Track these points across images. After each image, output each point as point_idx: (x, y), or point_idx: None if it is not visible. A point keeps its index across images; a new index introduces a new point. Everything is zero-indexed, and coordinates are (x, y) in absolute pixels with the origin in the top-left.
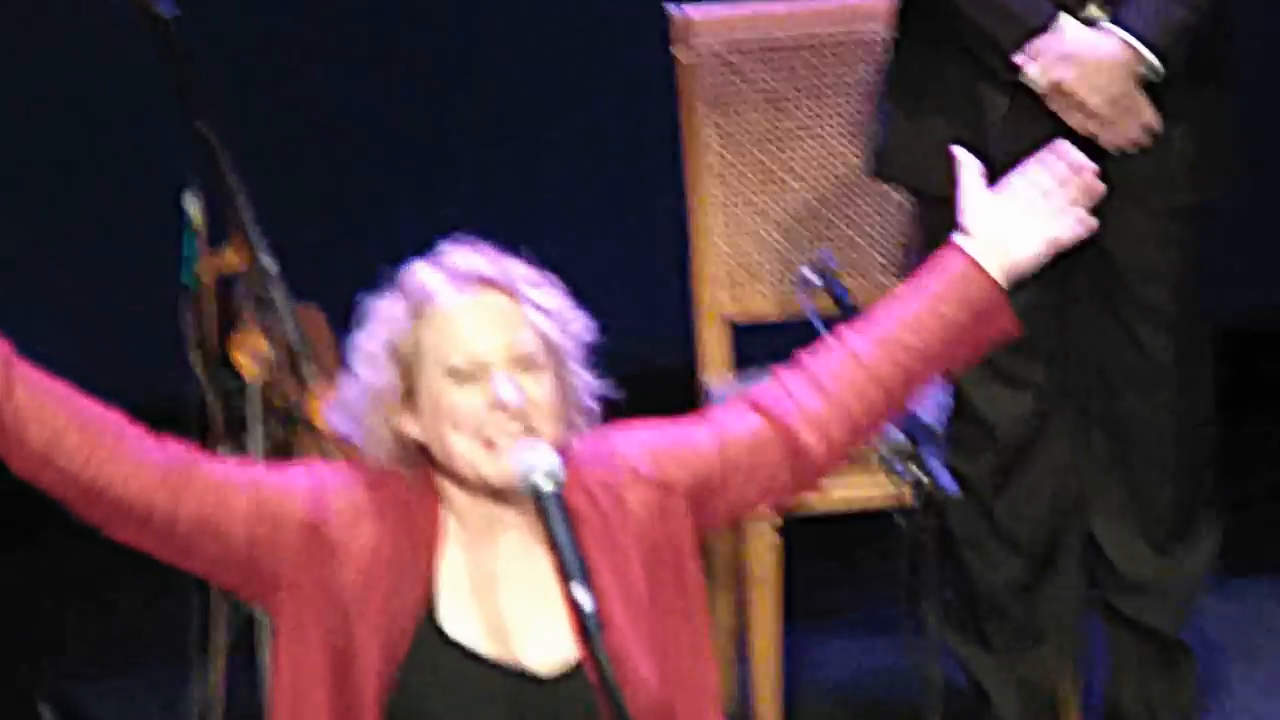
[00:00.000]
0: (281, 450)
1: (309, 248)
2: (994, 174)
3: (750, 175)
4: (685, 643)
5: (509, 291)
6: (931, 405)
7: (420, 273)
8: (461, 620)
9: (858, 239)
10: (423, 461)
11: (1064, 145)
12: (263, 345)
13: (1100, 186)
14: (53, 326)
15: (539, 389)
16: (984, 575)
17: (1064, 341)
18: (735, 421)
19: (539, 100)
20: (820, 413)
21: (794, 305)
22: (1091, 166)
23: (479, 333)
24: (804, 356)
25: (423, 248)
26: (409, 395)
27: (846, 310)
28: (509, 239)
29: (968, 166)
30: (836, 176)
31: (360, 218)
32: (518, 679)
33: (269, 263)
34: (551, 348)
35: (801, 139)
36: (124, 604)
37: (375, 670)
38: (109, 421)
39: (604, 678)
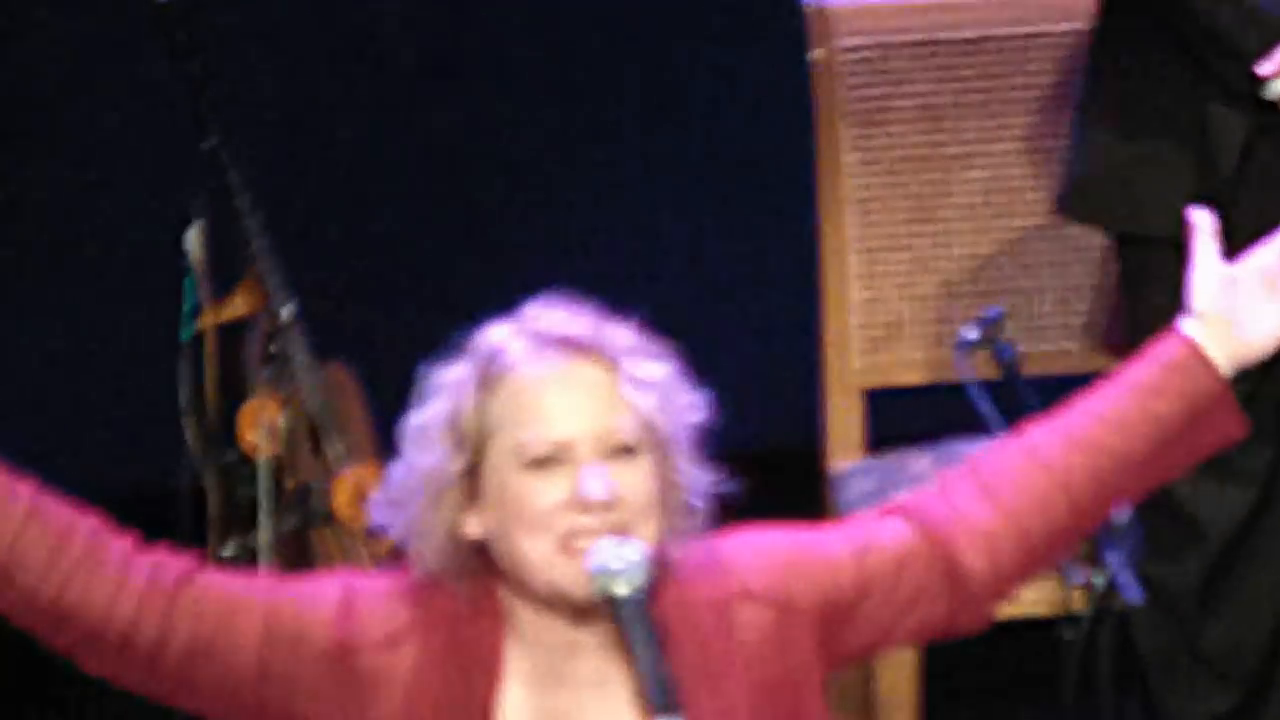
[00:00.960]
0: (295, 549)
1: (340, 292)
2: (1225, 222)
3: (900, 209)
4: None
5: (605, 362)
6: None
7: (495, 334)
8: None
9: (1035, 293)
10: (484, 571)
11: None
12: (276, 415)
13: None
14: (37, 411)
15: (635, 483)
16: (1183, 709)
17: None
18: (878, 531)
19: (641, 116)
20: (990, 528)
21: (949, 373)
22: None
23: (565, 413)
24: (974, 457)
25: (493, 303)
26: (472, 485)
27: (1016, 383)
28: (596, 290)
29: (1202, 229)
30: (1010, 212)
31: (413, 256)
32: None
33: (287, 308)
34: (653, 433)
35: (966, 164)
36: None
37: None
38: (82, 526)
39: None
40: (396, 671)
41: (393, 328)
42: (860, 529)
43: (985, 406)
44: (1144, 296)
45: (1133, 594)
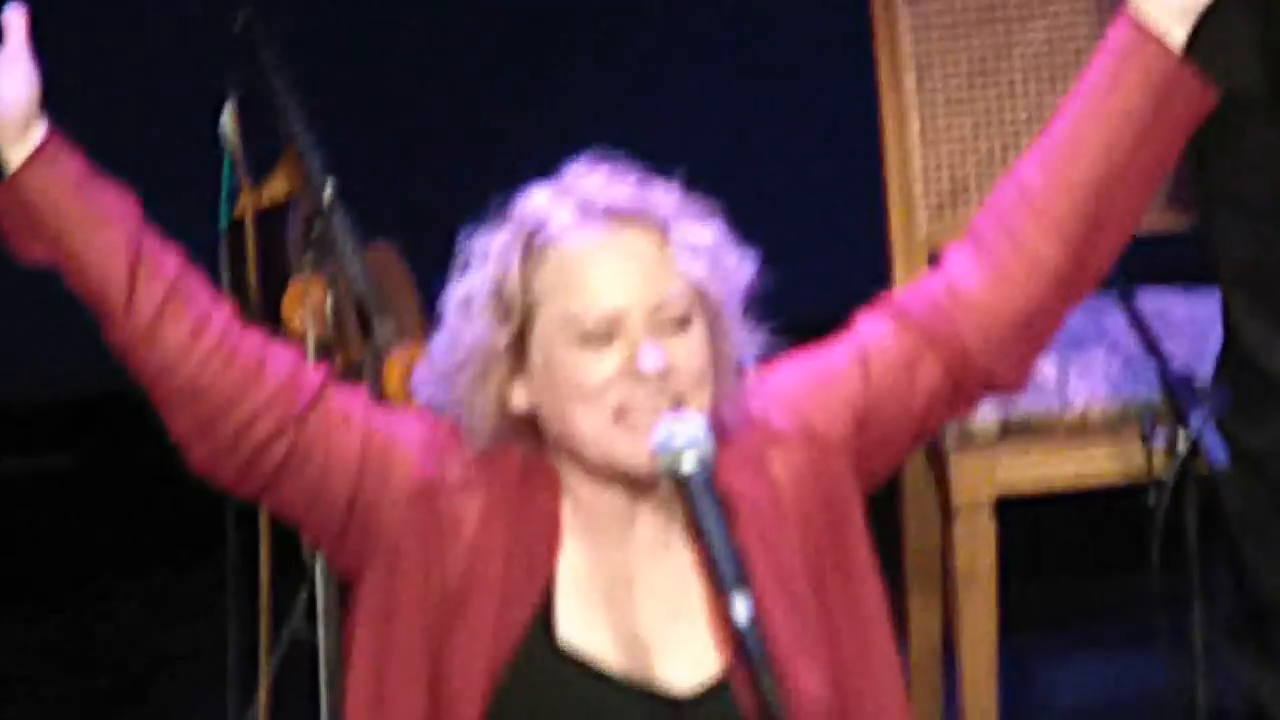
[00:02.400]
0: None
1: (382, 167)
2: None
3: (960, 68)
4: (858, 643)
5: (656, 228)
6: (1196, 355)
7: (537, 200)
8: (583, 630)
9: None
10: (534, 439)
11: None
12: (321, 296)
13: None
14: (71, 302)
15: (689, 354)
16: (1273, 574)
17: None
18: (880, 335)
19: (712, 45)
20: (982, 298)
21: None
22: None
23: (615, 284)
24: (977, 215)
25: (542, 170)
26: (518, 355)
27: None
28: (653, 156)
29: None
30: (1072, 70)
31: (457, 124)
32: (649, 699)
33: (328, 188)
34: (706, 300)
35: (1026, 20)
36: (154, 616)
37: (477, 682)
38: (219, 315)
39: (766, 701)
40: (467, 516)
41: (438, 201)
42: (862, 337)
43: None
44: (1209, 152)
45: (1217, 456)
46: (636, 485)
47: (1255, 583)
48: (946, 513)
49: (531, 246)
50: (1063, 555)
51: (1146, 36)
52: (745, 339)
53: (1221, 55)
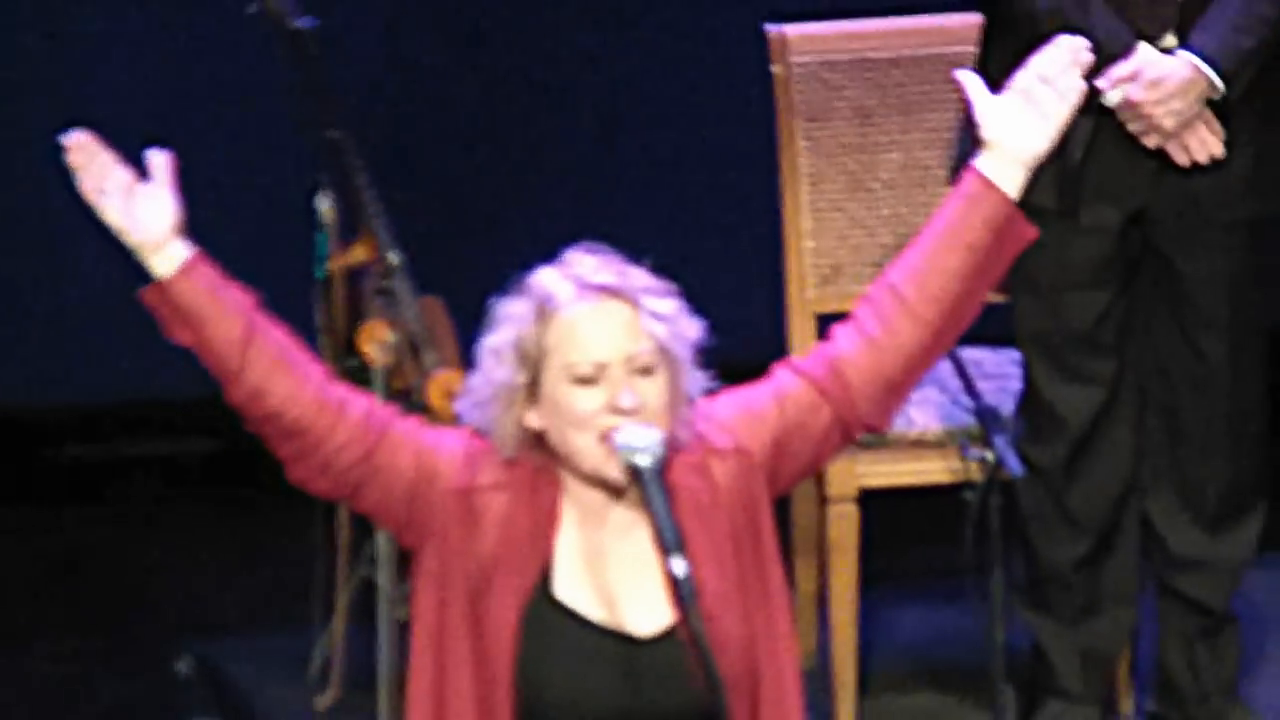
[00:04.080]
0: None
1: (434, 244)
2: (1078, 187)
3: (839, 182)
4: (766, 605)
5: (630, 301)
6: (1000, 393)
7: (547, 278)
8: (573, 590)
9: None
10: (544, 450)
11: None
12: (386, 334)
13: (1089, 57)
14: None
15: (654, 394)
16: (1050, 551)
17: (1129, 342)
18: (791, 384)
19: (650, 115)
20: (865, 363)
21: None
22: (1084, 43)
23: (601, 340)
24: (858, 304)
25: (542, 247)
26: (532, 390)
27: None
28: (620, 242)
29: (971, 82)
30: (920, 185)
31: (483, 218)
32: (619, 640)
33: (395, 256)
34: (667, 354)
35: (888, 150)
36: (256, 570)
37: (505, 627)
38: (296, 353)
39: (697, 639)
40: (495, 507)
41: (471, 269)
42: (779, 384)
43: None
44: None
45: (1014, 467)
46: (614, 490)
47: (1036, 557)
48: (823, 501)
49: (543, 312)
50: (904, 534)
51: (990, 186)
52: (695, 379)
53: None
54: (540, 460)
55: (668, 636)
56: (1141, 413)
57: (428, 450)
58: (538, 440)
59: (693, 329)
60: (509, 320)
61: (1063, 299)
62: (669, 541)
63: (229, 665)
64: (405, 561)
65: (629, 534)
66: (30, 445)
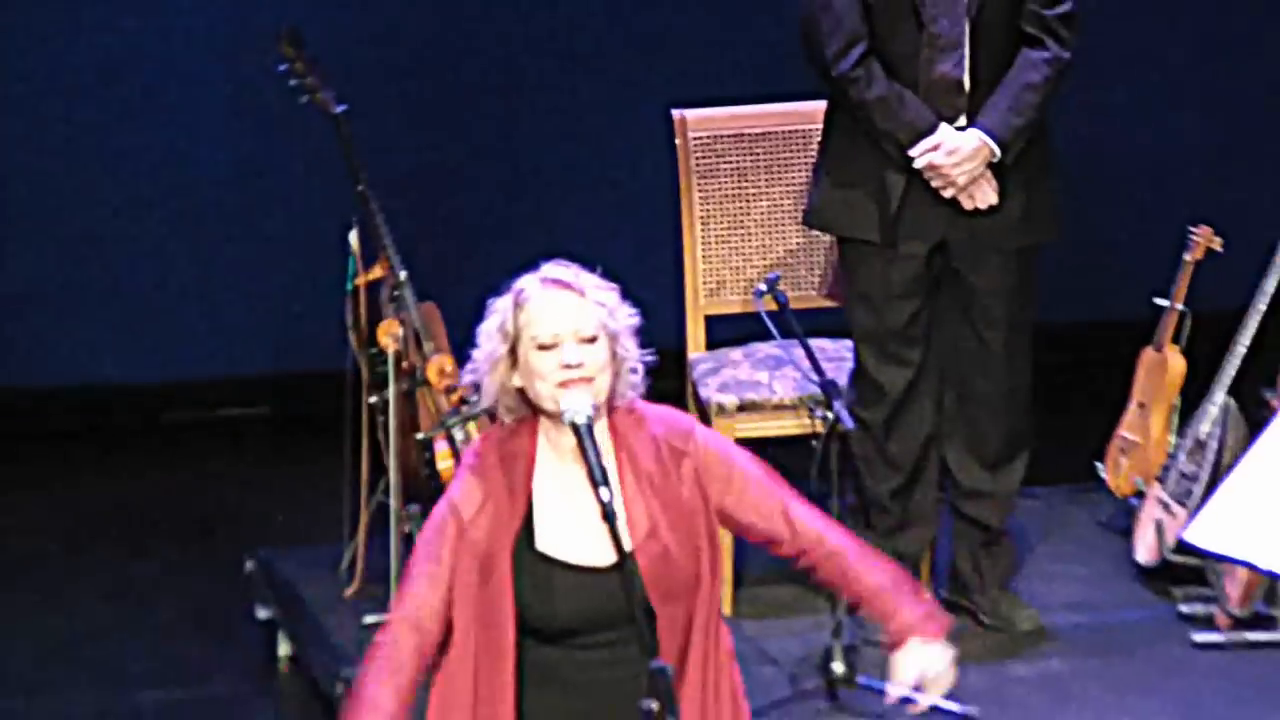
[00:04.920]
0: (407, 400)
1: (429, 265)
2: (895, 226)
3: (724, 222)
4: (706, 540)
5: (578, 291)
6: (839, 371)
7: (523, 280)
8: (550, 537)
9: (794, 265)
10: (525, 403)
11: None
12: (397, 329)
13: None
14: (267, 323)
15: (595, 354)
16: (874, 485)
17: (932, 335)
18: (764, 504)
19: (587, 174)
20: (803, 545)
21: (751, 308)
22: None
23: (556, 318)
24: (828, 530)
25: (503, 268)
26: (513, 358)
27: (786, 313)
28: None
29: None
30: (782, 224)
31: (462, 248)
32: (587, 572)
33: (402, 274)
34: (606, 329)
35: (758, 199)
36: (301, 500)
37: (503, 565)
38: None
39: (619, 544)
40: (473, 507)
41: (458, 281)
42: (764, 493)
43: (770, 326)
44: (848, 269)
45: (849, 424)
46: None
47: (863, 489)
48: None
49: (517, 301)
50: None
51: (889, 630)
52: (633, 352)
53: (851, 212)
54: (522, 415)
55: (623, 562)
56: (940, 385)
57: (438, 560)
58: (520, 395)
59: (626, 313)
60: (495, 311)
61: (885, 306)
62: (597, 477)
63: (282, 567)
64: (411, 488)
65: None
66: (134, 412)
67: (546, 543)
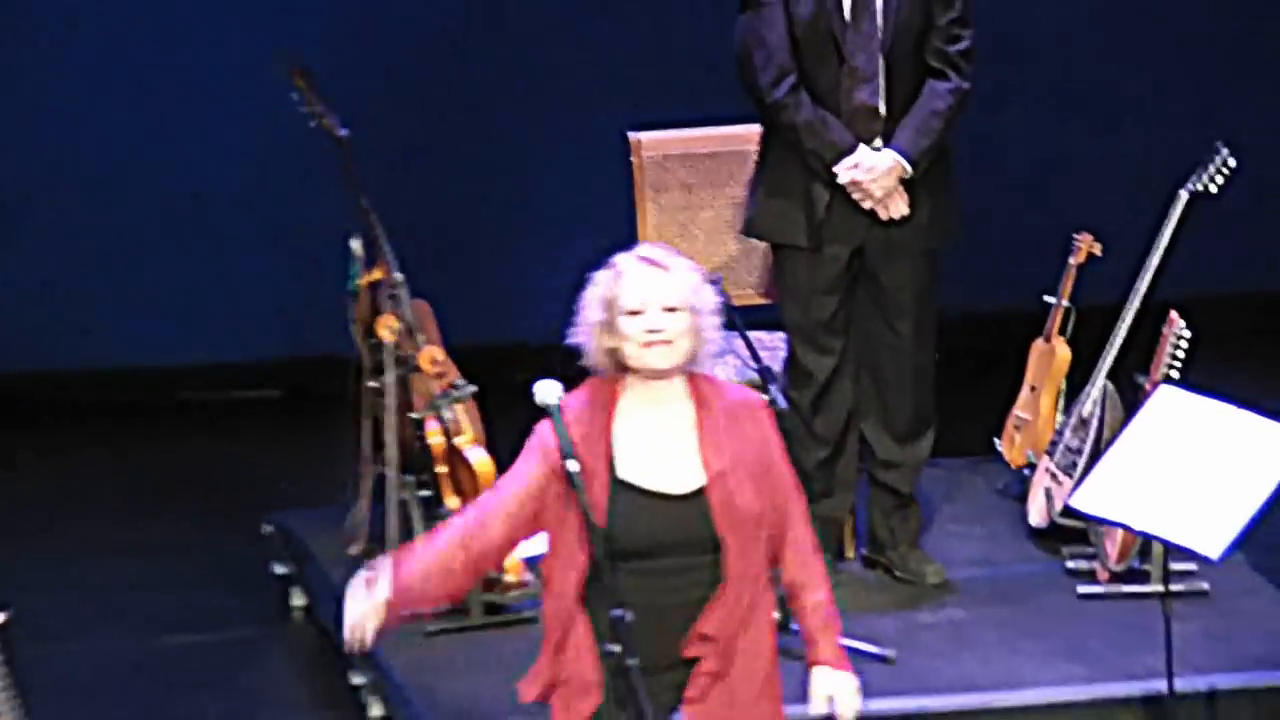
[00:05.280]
0: (402, 383)
1: (422, 268)
2: (821, 233)
3: (673, 229)
4: (772, 491)
5: (665, 268)
6: (774, 359)
7: (620, 258)
8: (631, 468)
9: (735, 268)
10: (616, 360)
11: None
12: (394, 323)
13: None
14: (281, 316)
15: (676, 323)
16: (802, 456)
17: (851, 328)
18: (783, 508)
19: (555, 188)
20: (783, 543)
21: None
22: None
23: (644, 290)
24: (804, 545)
25: (483, 274)
26: (608, 323)
27: (727, 305)
28: (538, 263)
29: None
30: (724, 232)
31: (445, 256)
32: (664, 499)
33: (399, 276)
34: (688, 303)
35: (704, 210)
36: (312, 469)
37: (599, 507)
38: (446, 547)
39: (581, 506)
40: (578, 429)
41: (447, 283)
42: (791, 497)
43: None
44: (780, 271)
45: (782, 404)
46: (654, 377)
47: (793, 460)
48: None
49: (615, 275)
50: None
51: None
52: (712, 324)
53: (783, 222)
54: (611, 370)
55: (697, 494)
56: (859, 371)
57: (520, 488)
58: (612, 354)
59: (710, 294)
60: (595, 282)
61: (811, 302)
62: (565, 450)
63: (296, 527)
64: (406, 460)
65: (670, 408)
66: (162, 391)
67: (626, 471)
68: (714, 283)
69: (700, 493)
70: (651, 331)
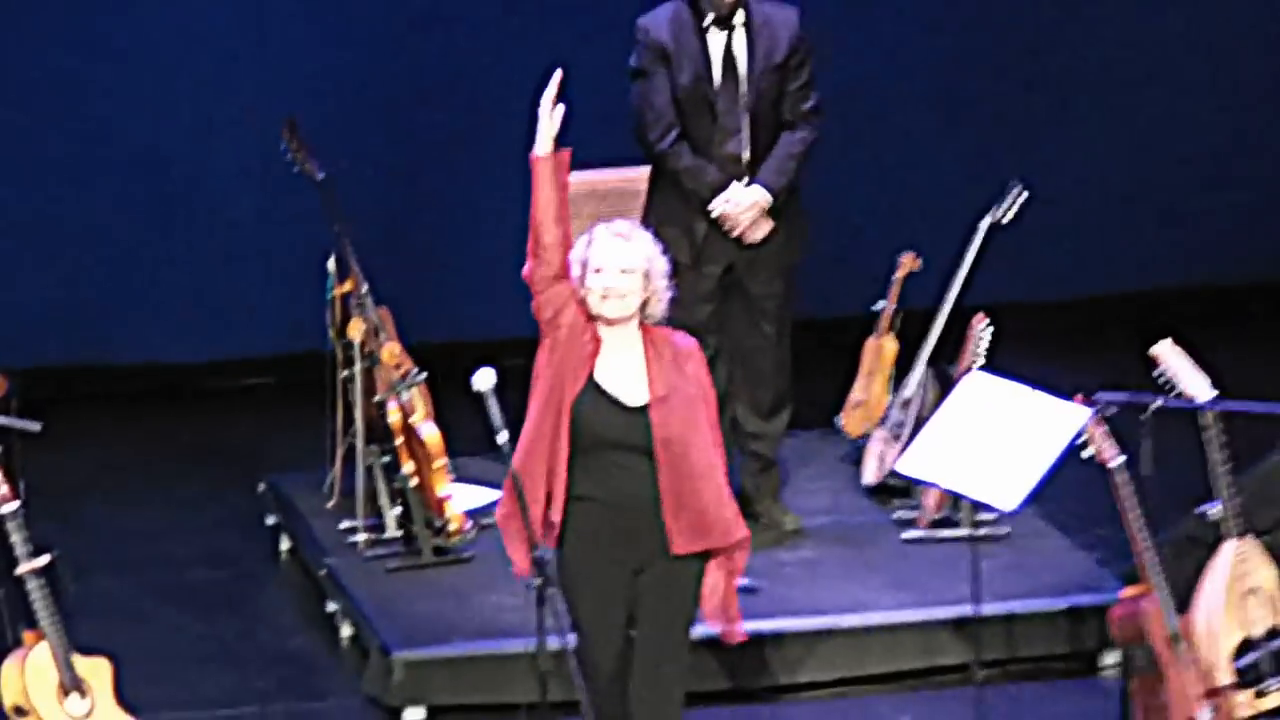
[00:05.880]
0: (368, 375)
1: (385, 280)
2: (700, 253)
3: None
4: (697, 414)
5: (625, 237)
6: None
7: (598, 228)
8: (605, 379)
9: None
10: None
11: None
12: (361, 325)
13: None
14: (273, 319)
15: (628, 283)
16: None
17: (724, 328)
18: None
19: (489, 223)
20: None
21: None
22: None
23: (606, 254)
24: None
25: (441, 280)
26: (584, 279)
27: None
28: (483, 260)
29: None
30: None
31: (403, 269)
32: (623, 407)
33: (365, 288)
34: (640, 267)
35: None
36: (296, 439)
37: (570, 399)
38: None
39: (514, 480)
40: (573, 339)
41: (407, 292)
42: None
43: None
44: (682, 284)
45: None
46: (613, 324)
47: None
48: None
49: (589, 241)
50: None
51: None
52: (662, 287)
53: (670, 244)
54: (590, 317)
55: (645, 407)
56: (730, 363)
57: (574, 299)
58: (583, 302)
59: (661, 261)
60: (576, 246)
61: (693, 307)
62: (496, 426)
63: (284, 487)
64: (371, 433)
65: (625, 351)
66: (183, 381)
67: (600, 377)
68: None
69: (645, 409)
70: (608, 287)
